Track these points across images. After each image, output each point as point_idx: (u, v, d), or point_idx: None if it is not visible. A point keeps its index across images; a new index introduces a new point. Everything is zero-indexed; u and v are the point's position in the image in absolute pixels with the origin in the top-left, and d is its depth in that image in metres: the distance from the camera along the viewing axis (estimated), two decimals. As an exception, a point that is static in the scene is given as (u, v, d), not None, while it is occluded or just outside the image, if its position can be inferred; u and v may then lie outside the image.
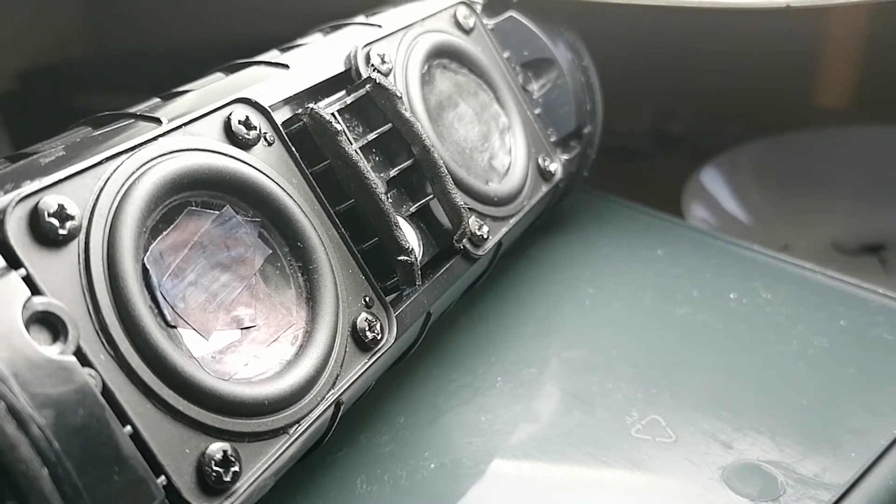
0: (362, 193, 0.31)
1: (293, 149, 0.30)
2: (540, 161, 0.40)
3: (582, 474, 0.32)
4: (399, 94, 0.33)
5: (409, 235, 0.32)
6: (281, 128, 0.30)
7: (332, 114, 0.31)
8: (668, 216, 0.49)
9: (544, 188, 0.40)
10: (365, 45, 0.35)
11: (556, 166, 0.41)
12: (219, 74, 0.33)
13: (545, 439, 0.34)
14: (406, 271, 0.31)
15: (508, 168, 0.39)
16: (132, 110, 0.29)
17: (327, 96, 0.33)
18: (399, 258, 0.31)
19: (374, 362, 0.30)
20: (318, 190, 0.30)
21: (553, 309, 0.41)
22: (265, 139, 0.29)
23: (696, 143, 0.67)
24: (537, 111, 0.42)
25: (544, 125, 0.42)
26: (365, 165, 0.31)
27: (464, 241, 0.34)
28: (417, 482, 0.32)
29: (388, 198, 0.31)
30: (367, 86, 0.33)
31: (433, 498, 0.31)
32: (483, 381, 0.36)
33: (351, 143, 0.31)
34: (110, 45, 0.64)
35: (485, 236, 0.35)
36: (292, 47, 0.36)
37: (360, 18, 0.39)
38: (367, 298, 0.30)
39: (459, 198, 0.34)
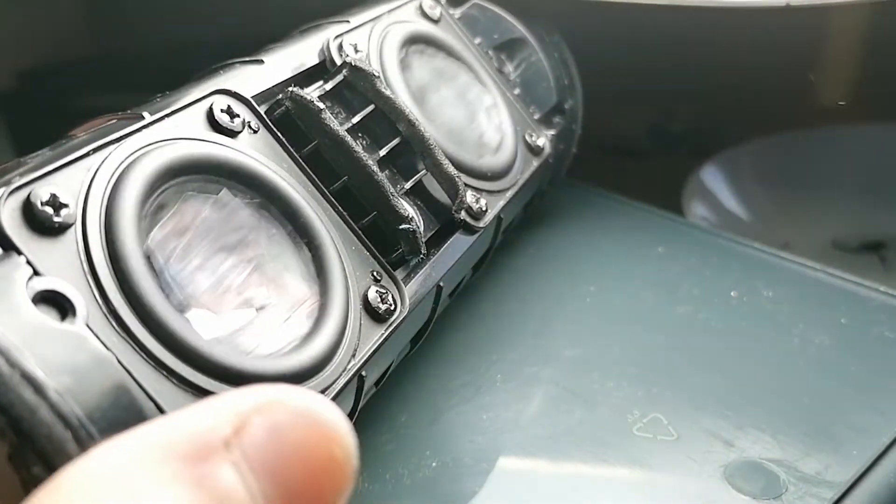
0: (353, 168, 0.31)
1: (279, 134, 0.30)
2: (527, 137, 0.41)
3: (583, 473, 0.32)
4: (377, 74, 0.34)
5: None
6: (264, 115, 0.30)
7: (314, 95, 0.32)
8: (669, 214, 0.49)
9: (535, 163, 0.41)
10: (336, 37, 0.35)
11: (543, 141, 0.42)
12: (196, 79, 0.33)
13: (546, 437, 0.33)
14: (409, 240, 0.32)
15: (499, 144, 0.40)
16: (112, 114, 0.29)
17: (305, 87, 0.33)
18: (400, 227, 0.31)
19: (389, 334, 0.30)
20: (310, 172, 0.30)
21: (554, 307, 0.41)
22: (249, 127, 0.30)
23: (697, 141, 0.67)
24: (516, 91, 0.43)
25: (525, 104, 0.43)
26: (352, 140, 0.31)
27: (462, 212, 0.35)
28: (419, 481, 0.32)
29: (380, 170, 0.32)
30: (344, 70, 0.34)
31: (435, 496, 0.31)
32: (484, 379, 0.36)
33: (335, 122, 0.31)
34: (110, 45, 0.64)
35: (483, 209, 0.36)
36: (266, 48, 0.36)
37: (329, 19, 0.39)
38: (375, 272, 0.30)
39: (452, 169, 0.34)
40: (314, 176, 0.30)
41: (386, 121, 0.34)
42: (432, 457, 0.33)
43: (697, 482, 0.31)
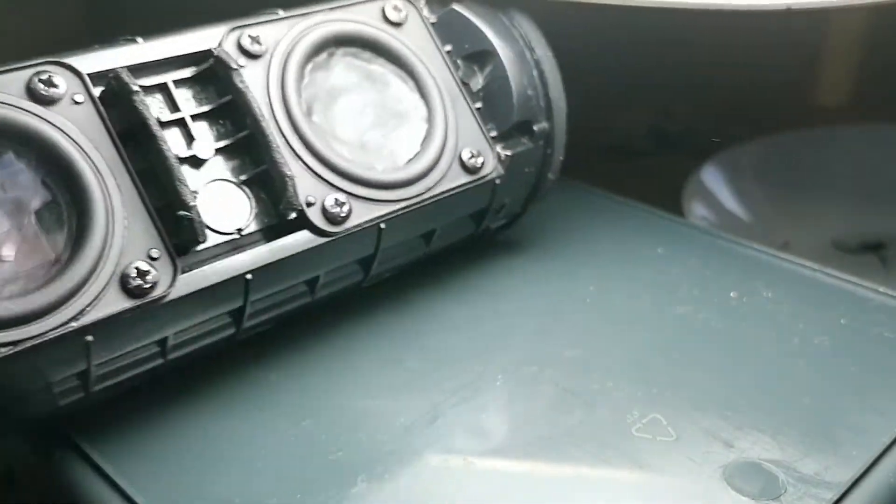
0: (152, 149, 0.32)
1: (101, 109, 0.32)
2: (464, 154, 0.40)
3: (583, 473, 0.32)
4: (235, 67, 0.35)
5: (236, 201, 0.34)
6: (93, 89, 0.32)
7: (130, 75, 0.33)
8: (669, 214, 0.49)
9: (463, 180, 0.39)
10: (236, 28, 0.36)
11: (483, 161, 0.40)
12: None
13: (546, 438, 0.33)
14: (185, 227, 0.32)
15: (414, 156, 0.39)
16: None
17: (179, 69, 0.35)
18: (178, 213, 0.32)
19: (137, 309, 0.30)
20: (122, 148, 0.32)
21: (553, 307, 0.41)
22: (73, 99, 0.31)
23: (696, 142, 0.67)
24: (478, 105, 0.41)
25: (485, 119, 0.41)
26: (155, 125, 0.32)
27: (293, 212, 0.34)
28: (418, 481, 0.32)
29: (176, 157, 0.33)
30: (211, 59, 0.35)
31: (434, 497, 0.31)
32: (483, 380, 0.36)
33: (146, 105, 0.32)
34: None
35: (343, 214, 0.35)
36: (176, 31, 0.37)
37: (272, 10, 0.39)
38: (154, 251, 0.31)
39: (287, 169, 0.34)
40: (124, 153, 0.32)
41: (240, 112, 0.35)
42: (431, 457, 0.33)
43: (697, 482, 0.31)
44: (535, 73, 0.42)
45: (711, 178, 0.62)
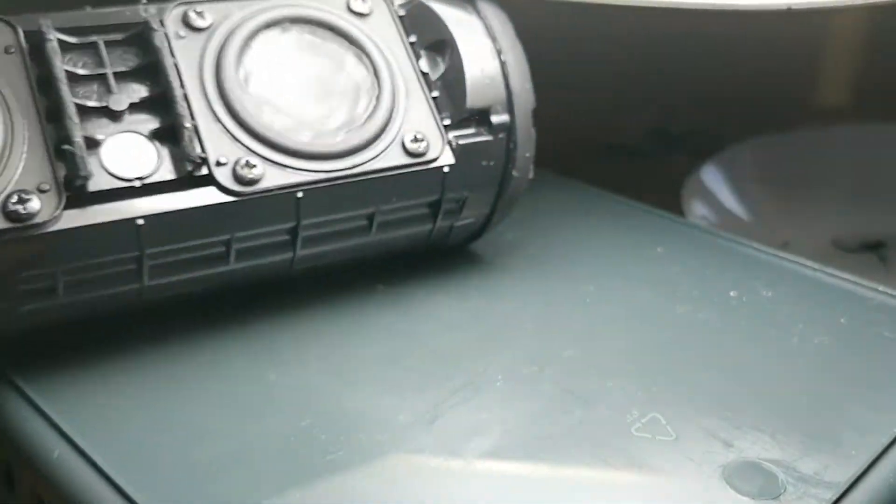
0: (54, 91, 0.34)
1: (27, 58, 0.35)
2: (407, 136, 0.39)
3: (582, 473, 0.32)
4: (156, 28, 0.37)
5: (144, 153, 0.35)
6: (23, 42, 0.35)
7: (48, 28, 0.36)
8: (669, 214, 0.49)
9: (400, 161, 0.39)
10: (184, 3, 0.38)
11: (428, 145, 0.40)
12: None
13: (545, 437, 0.33)
14: (69, 161, 0.34)
15: (349, 133, 0.39)
16: None
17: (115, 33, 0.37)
18: (63, 146, 0.34)
19: (15, 232, 0.32)
20: (35, 91, 0.35)
21: (552, 307, 0.41)
22: (5, 49, 0.35)
23: (696, 142, 0.67)
24: (435, 93, 0.41)
25: (442, 107, 0.41)
26: (60, 67, 0.35)
27: (190, 163, 0.35)
28: (418, 481, 0.32)
29: (84, 105, 0.35)
30: (141, 25, 0.37)
31: (434, 497, 0.31)
32: (483, 379, 0.36)
33: (57, 52, 0.35)
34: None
35: (252, 177, 0.36)
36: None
37: None
38: (44, 185, 0.33)
39: (188, 122, 0.36)
40: (36, 96, 0.35)
41: (159, 74, 0.36)
42: (431, 457, 0.33)
43: (696, 482, 0.31)
44: (495, 63, 0.42)
45: (711, 177, 0.62)
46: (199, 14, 0.38)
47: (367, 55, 0.40)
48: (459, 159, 0.40)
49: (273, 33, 0.39)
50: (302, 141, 0.38)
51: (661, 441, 0.33)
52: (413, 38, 0.42)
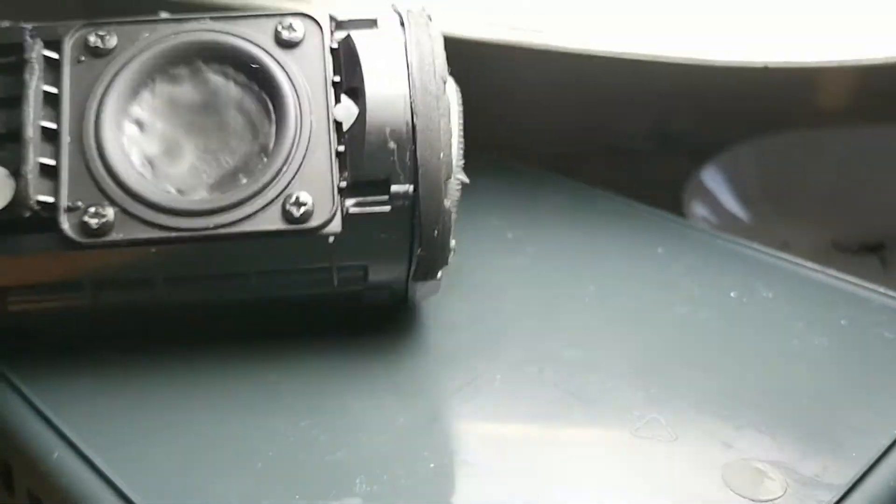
0: None
1: None
2: (290, 199, 0.35)
3: (582, 474, 0.32)
4: (28, 59, 0.35)
5: (3, 185, 0.33)
6: None
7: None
8: (669, 214, 0.49)
9: (274, 226, 0.34)
10: (90, 24, 0.36)
11: (312, 211, 0.35)
12: None
13: (546, 439, 0.33)
14: None
15: (224, 190, 0.35)
16: None
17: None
18: None
19: None
20: None
21: (553, 307, 0.41)
22: None
23: (696, 142, 0.67)
24: (341, 147, 0.36)
25: (344, 166, 0.35)
26: None
27: (24, 209, 0.33)
28: (417, 482, 0.32)
29: None
30: (25, 52, 0.35)
31: (433, 498, 0.31)
32: (483, 380, 0.36)
33: None
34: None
35: (96, 227, 0.34)
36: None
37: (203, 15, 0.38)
38: None
39: (27, 166, 0.34)
40: None
41: (20, 108, 0.35)
42: (430, 458, 0.33)
43: (696, 484, 0.31)
44: (405, 122, 0.35)
45: (711, 178, 0.62)
46: (102, 37, 0.36)
47: (277, 101, 0.36)
48: (350, 228, 0.35)
49: (180, 70, 0.36)
50: (168, 193, 0.35)
51: (661, 442, 0.33)
52: (337, 78, 0.37)
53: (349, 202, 0.35)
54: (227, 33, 0.37)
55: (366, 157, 0.35)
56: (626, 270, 0.44)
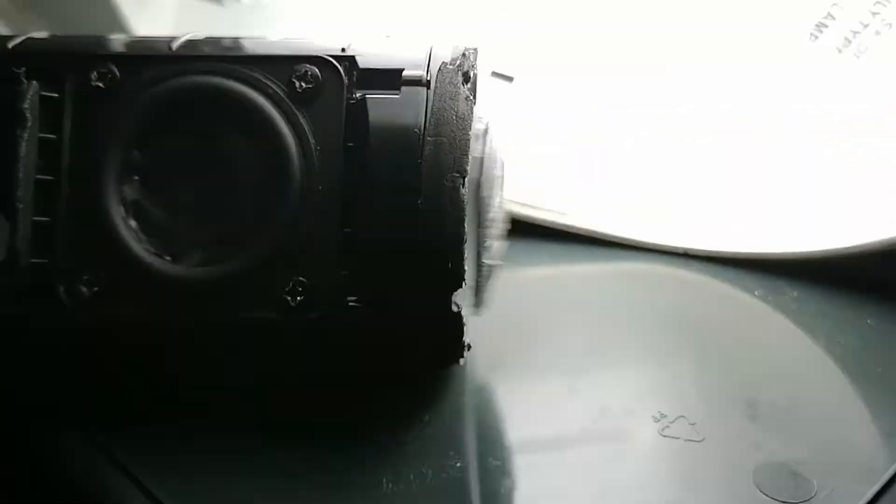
0: None
1: None
2: (284, 284, 0.32)
3: (610, 475, 0.32)
4: (22, 110, 0.32)
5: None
6: None
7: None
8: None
9: (269, 314, 0.32)
10: (99, 57, 0.33)
11: (305, 300, 0.32)
12: None
13: (573, 440, 0.33)
14: None
15: (220, 267, 0.32)
16: None
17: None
18: None
19: None
20: None
21: (562, 308, 0.41)
22: None
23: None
24: (348, 228, 0.32)
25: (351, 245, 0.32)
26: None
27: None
28: (443, 481, 0.31)
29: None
30: (23, 86, 0.32)
31: (460, 497, 0.31)
32: (507, 380, 0.36)
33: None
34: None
35: (83, 295, 0.32)
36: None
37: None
38: None
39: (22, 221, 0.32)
40: None
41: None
42: (456, 457, 0.32)
43: (725, 486, 0.31)
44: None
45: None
46: (104, 76, 0.33)
47: (283, 165, 0.32)
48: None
49: (177, 115, 0.33)
50: (165, 263, 0.32)
51: (689, 443, 0.33)
52: (352, 143, 0.32)
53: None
54: (238, 79, 0.32)
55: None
56: (645, 269, 0.44)
